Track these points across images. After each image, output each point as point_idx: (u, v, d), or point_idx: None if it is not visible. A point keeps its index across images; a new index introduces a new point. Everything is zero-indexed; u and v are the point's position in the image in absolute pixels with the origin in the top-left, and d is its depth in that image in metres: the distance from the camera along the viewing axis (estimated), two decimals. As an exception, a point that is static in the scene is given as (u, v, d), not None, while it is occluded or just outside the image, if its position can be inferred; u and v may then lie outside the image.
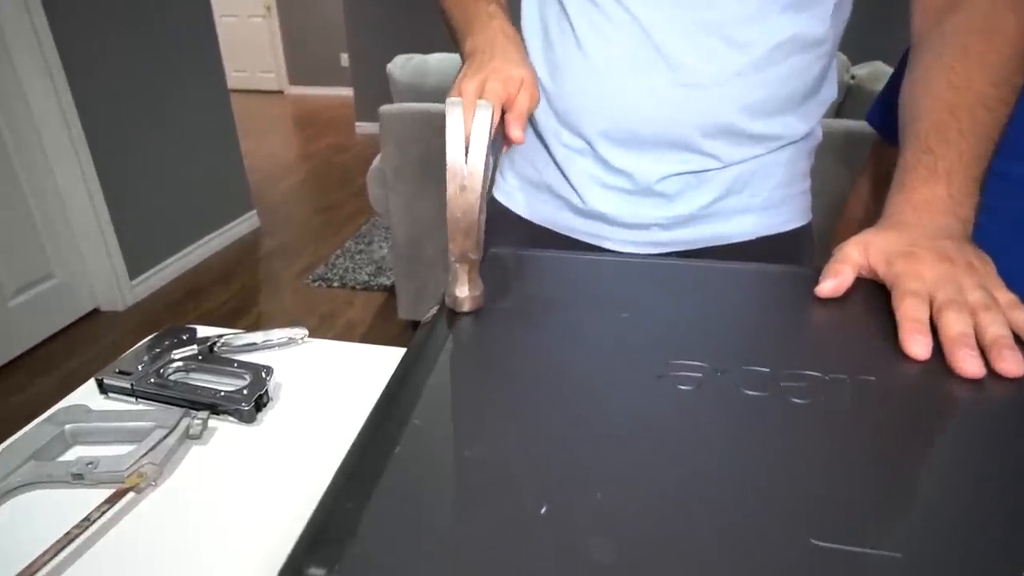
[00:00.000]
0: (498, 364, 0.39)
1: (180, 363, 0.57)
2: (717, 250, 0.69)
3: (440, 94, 1.70)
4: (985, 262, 0.44)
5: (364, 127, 5.05)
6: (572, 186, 0.69)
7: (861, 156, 0.92)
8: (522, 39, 0.58)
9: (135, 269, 2.36)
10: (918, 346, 0.38)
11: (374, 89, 4.88)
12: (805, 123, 0.66)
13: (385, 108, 1.68)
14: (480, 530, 0.26)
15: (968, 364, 0.36)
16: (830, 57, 0.64)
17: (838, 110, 1.69)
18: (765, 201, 0.68)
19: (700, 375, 0.36)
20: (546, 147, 0.69)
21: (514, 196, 0.75)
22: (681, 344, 0.39)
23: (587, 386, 0.36)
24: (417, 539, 0.26)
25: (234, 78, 5.19)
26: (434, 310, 0.45)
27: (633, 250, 0.69)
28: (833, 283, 0.45)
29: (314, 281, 2.54)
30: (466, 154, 0.41)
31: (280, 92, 6.73)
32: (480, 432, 0.32)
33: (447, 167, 0.41)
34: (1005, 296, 0.41)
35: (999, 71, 0.51)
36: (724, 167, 0.64)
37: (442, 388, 0.36)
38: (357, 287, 2.48)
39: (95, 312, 2.30)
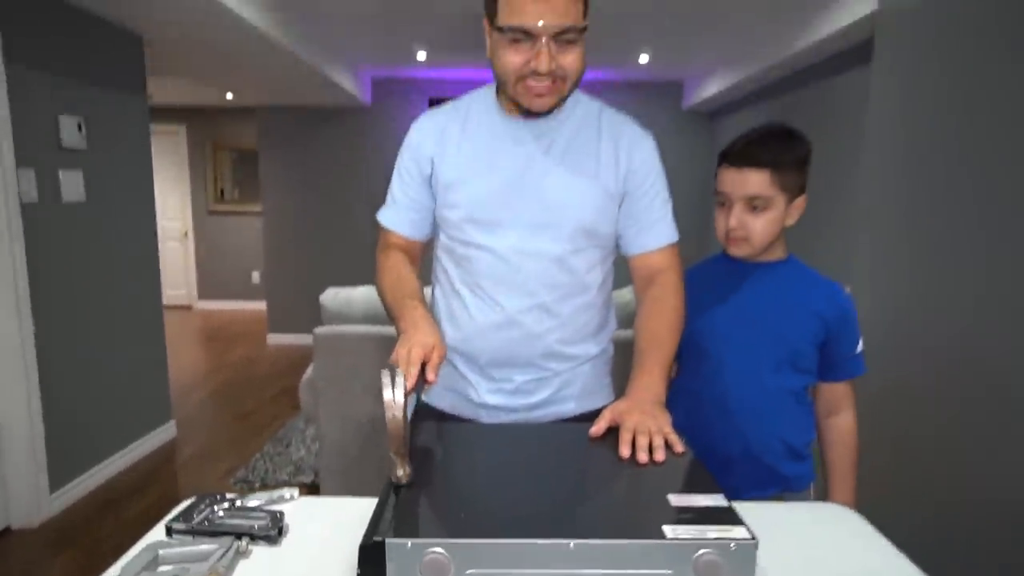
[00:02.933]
0: (423, 507, 0.75)
1: (221, 512, 0.88)
2: (557, 422, 1.12)
3: (363, 319, 2.14)
4: (663, 414, 0.89)
5: (275, 338, 5.36)
6: (473, 388, 1.11)
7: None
8: (433, 316, 1.02)
9: (56, 481, 2.42)
10: (624, 451, 0.81)
11: (285, 304, 5.30)
12: (598, 346, 1.14)
13: (319, 330, 2.07)
14: None
15: (641, 457, 0.80)
16: (607, 307, 1.15)
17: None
18: (581, 392, 1.13)
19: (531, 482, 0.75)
20: (454, 368, 1.12)
21: (434, 396, 1.16)
22: (521, 455, 0.79)
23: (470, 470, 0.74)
24: None
25: (148, 296, 5.47)
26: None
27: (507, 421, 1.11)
28: (595, 429, 0.88)
29: (236, 483, 2.67)
30: (394, 395, 0.75)
31: (189, 307, 6.97)
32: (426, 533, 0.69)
33: (384, 403, 0.74)
34: (667, 429, 0.85)
35: (668, 324, 1.04)
36: (555, 374, 1.10)
37: (398, 522, 0.69)
38: (279, 487, 2.63)
39: (6, 531, 2.29)
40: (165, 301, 6.80)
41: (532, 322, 1.06)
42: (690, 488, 0.71)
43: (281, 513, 0.86)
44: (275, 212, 5.27)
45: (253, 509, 0.88)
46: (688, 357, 1.17)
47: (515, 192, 1.04)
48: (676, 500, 0.67)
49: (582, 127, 1.08)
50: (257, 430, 3.35)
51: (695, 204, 4.89)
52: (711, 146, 5.03)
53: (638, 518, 0.67)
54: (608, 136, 1.08)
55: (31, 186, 2.26)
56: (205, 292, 6.98)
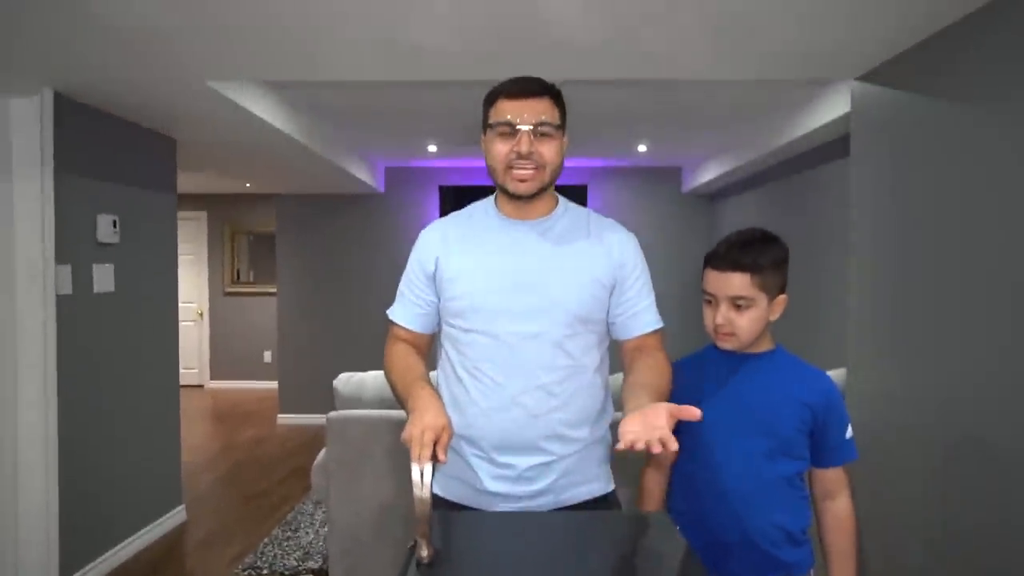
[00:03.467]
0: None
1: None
2: (559, 511, 1.17)
3: (375, 403, 2.20)
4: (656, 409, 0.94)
5: (285, 419, 5.38)
6: (477, 476, 1.17)
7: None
8: (439, 397, 1.10)
9: (68, 567, 2.42)
10: (622, 447, 0.88)
11: (297, 384, 5.37)
12: (599, 431, 1.21)
13: (332, 414, 2.14)
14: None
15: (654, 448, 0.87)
16: (605, 391, 1.23)
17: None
18: (582, 479, 1.19)
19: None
20: (459, 455, 1.19)
21: (440, 487, 1.22)
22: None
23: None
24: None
25: (162, 377, 5.56)
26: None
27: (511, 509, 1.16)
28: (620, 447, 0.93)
29: (244, 570, 2.65)
30: (421, 477, 0.86)
31: (200, 386, 7.04)
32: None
33: (413, 490, 0.85)
34: (660, 424, 0.91)
35: (659, 375, 1.13)
36: (558, 460, 1.16)
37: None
38: (287, 573, 2.62)
39: (15, 620, 2.28)
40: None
41: (534, 403, 1.13)
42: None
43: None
44: (290, 294, 5.42)
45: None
46: (685, 443, 1.23)
47: (513, 284, 1.15)
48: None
49: (573, 227, 1.22)
50: (267, 512, 3.34)
51: (697, 283, 5.00)
52: (712, 226, 5.20)
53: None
54: (596, 235, 1.22)
55: (67, 281, 2.41)
56: (217, 372, 7.07)
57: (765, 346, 1.22)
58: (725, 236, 1.23)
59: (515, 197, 1.17)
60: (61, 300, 2.38)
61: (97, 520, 2.62)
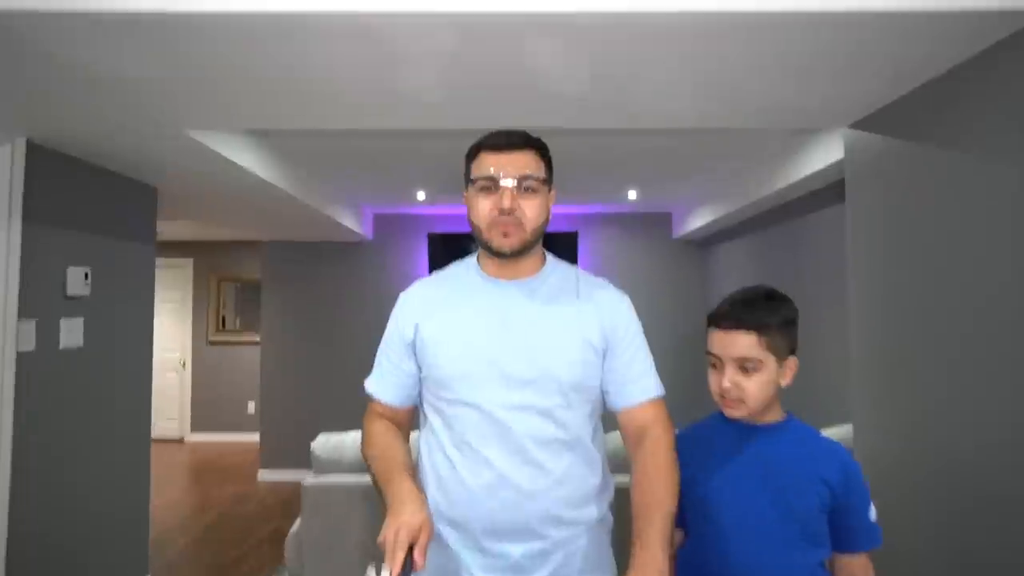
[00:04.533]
0: None
1: None
2: None
3: (356, 466, 2.05)
4: None
5: (266, 474, 5.15)
6: (466, 569, 1.02)
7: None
8: (420, 483, 0.98)
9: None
10: None
11: (279, 437, 5.15)
12: (599, 511, 1.08)
13: (308, 482, 1.99)
14: None
15: None
16: (604, 465, 1.10)
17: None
18: (583, 568, 1.05)
19: None
20: (443, 544, 1.05)
21: (424, 579, 1.08)
22: None
23: None
24: None
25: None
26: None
27: None
28: None
29: (211, 650, 2.43)
30: None
31: (180, 440, 6.77)
32: None
33: None
34: None
35: (662, 485, 0.99)
36: (556, 546, 1.03)
37: None
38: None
39: None
40: (156, 434, 6.67)
41: (526, 480, 1.01)
42: None
43: None
44: (274, 343, 5.27)
45: None
46: (694, 525, 1.10)
47: (499, 347, 1.04)
48: None
49: (561, 288, 1.12)
50: (241, 582, 3.11)
51: (689, 333, 4.92)
52: (702, 273, 5.14)
53: None
54: (586, 295, 1.12)
55: (30, 336, 2.27)
56: (198, 424, 6.81)
57: (776, 415, 1.11)
58: (729, 294, 1.13)
59: (499, 255, 1.07)
60: (22, 357, 2.23)
61: (52, 595, 2.40)
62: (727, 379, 1.06)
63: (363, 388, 1.17)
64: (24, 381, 2.24)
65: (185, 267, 6.85)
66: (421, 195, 4.37)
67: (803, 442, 1.09)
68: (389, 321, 1.16)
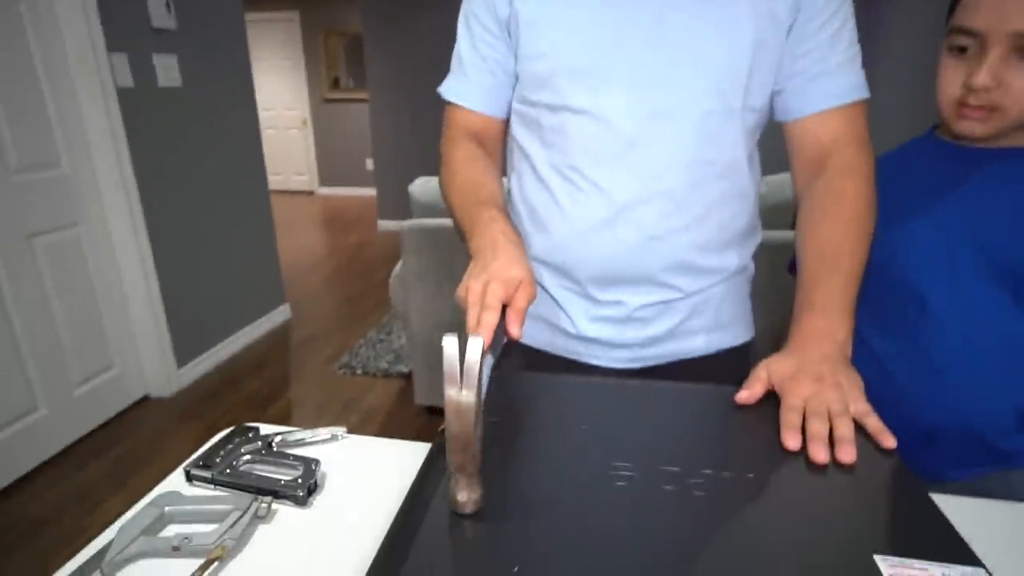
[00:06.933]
0: (490, 465, 0.51)
1: (248, 456, 0.69)
2: (681, 363, 0.81)
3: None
4: (851, 379, 0.57)
5: (385, 224, 5.33)
6: (568, 316, 0.81)
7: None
8: (516, 231, 0.69)
9: (182, 358, 2.51)
10: (791, 442, 0.52)
11: (393, 191, 5.21)
12: (741, 259, 0.80)
13: (407, 224, 1.86)
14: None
15: (819, 455, 0.50)
16: (756, 201, 0.80)
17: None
18: (715, 323, 0.81)
19: (632, 475, 0.48)
20: (542, 287, 0.82)
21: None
22: (622, 450, 0.52)
23: (554, 484, 0.48)
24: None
25: (271, 180, 5.58)
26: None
27: (615, 366, 0.81)
28: (746, 394, 0.59)
29: (339, 369, 2.66)
30: (461, 385, 0.43)
31: (311, 192, 7.13)
32: (472, 523, 0.44)
33: (445, 397, 0.43)
34: (857, 406, 0.54)
35: (848, 225, 0.68)
36: (684, 297, 0.78)
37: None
38: (378, 374, 2.60)
39: (145, 399, 2.43)
40: (289, 187, 7.05)
41: (653, 218, 0.73)
42: (916, 538, 0.41)
43: (317, 463, 0.67)
44: (381, 98, 5.04)
45: (286, 456, 0.69)
46: (874, 291, 0.80)
47: (630, 28, 0.69)
48: (890, 570, 0.38)
49: None
50: (365, 313, 3.34)
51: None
52: None
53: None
54: None
55: (125, 71, 2.14)
56: (325, 179, 7.08)
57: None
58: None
59: None
60: (123, 93, 2.14)
61: (204, 316, 2.65)
62: (986, 72, 0.66)
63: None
64: (131, 120, 2.17)
65: (292, 21, 6.50)
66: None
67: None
68: None
